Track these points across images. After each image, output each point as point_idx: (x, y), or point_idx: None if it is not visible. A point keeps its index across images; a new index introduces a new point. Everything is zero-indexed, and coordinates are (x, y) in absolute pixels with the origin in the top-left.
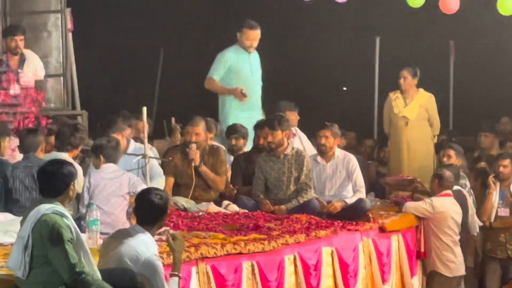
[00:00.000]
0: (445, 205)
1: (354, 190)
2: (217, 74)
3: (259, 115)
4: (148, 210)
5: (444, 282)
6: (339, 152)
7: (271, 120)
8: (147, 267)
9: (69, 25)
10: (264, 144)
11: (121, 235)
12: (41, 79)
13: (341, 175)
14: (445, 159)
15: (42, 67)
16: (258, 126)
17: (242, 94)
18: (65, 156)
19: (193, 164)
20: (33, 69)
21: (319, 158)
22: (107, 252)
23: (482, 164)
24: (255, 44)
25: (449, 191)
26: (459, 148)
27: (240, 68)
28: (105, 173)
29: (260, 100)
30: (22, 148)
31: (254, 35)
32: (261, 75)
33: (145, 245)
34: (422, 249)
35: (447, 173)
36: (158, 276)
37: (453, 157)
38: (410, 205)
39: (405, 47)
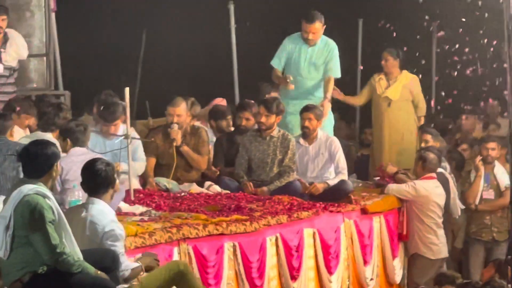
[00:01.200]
0: (428, 188)
1: (336, 172)
2: (276, 61)
3: None
4: (96, 180)
5: (427, 264)
6: (321, 134)
7: (270, 102)
8: (108, 236)
9: (52, 5)
10: (247, 125)
11: (76, 212)
12: (24, 59)
13: (324, 157)
14: (422, 144)
15: (25, 47)
16: (242, 107)
17: (287, 82)
18: (49, 136)
19: (174, 144)
20: (16, 48)
21: (301, 140)
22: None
23: (464, 146)
24: (312, 36)
25: (433, 174)
26: (434, 131)
27: (294, 57)
28: (74, 156)
29: (317, 92)
30: None
31: (309, 28)
32: (335, 67)
33: (101, 215)
34: (404, 232)
35: (431, 156)
36: (118, 241)
37: (430, 141)
38: (392, 187)
39: (388, 29)
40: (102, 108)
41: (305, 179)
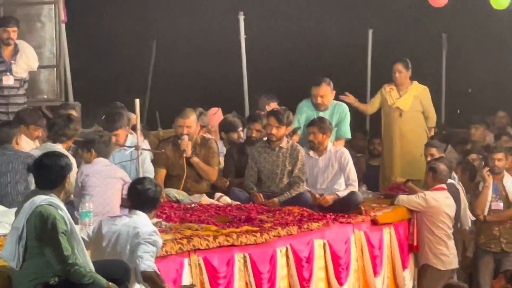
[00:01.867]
0: (438, 199)
1: (347, 184)
2: (296, 123)
3: None
4: (144, 198)
5: (437, 275)
6: (331, 146)
7: (281, 113)
8: (147, 239)
9: (63, 16)
10: (257, 136)
11: (119, 219)
12: (34, 70)
13: (333, 169)
14: (428, 158)
15: (35, 58)
16: (252, 119)
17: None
18: (59, 147)
19: (184, 155)
20: (26, 60)
21: (311, 153)
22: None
23: (473, 156)
24: (321, 100)
25: (443, 185)
26: (437, 143)
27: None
28: (98, 166)
29: None
30: None
31: (318, 91)
32: (346, 129)
33: (143, 223)
34: (415, 243)
35: (441, 167)
36: (154, 247)
37: (436, 154)
38: (402, 198)
39: (398, 40)
40: (103, 118)
41: (315, 191)
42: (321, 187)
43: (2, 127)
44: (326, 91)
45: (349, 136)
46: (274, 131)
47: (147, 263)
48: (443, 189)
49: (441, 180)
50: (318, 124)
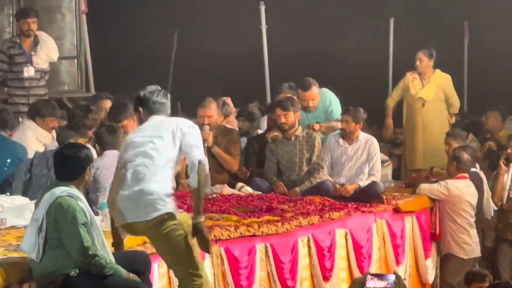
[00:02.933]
0: (460, 188)
1: (370, 174)
2: None
3: None
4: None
5: (459, 264)
6: (362, 136)
7: (283, 101)
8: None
9: (83, 7)
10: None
11: None
12: (54, 61)
13: (362, 158)
14: (446, 147)
15: (56, 49)
16: (270, 109)
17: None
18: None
19: (206, 145)
20: (46, 51)
21: (341, 141)
22: None
23: (490, 143)
24: (312, 103)
25: (465, 174)
26: (457, 133)
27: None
28: (107, 158)
29: None
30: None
31: (307, 96)
32: (336, 110)
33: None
34: (437, 232)
35: (465, 156)
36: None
37: (454, 144)
38: (424, 187)
39: (419, 29)
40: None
41: (340, 178)
42: (347, 174)
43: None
44: (315, 92)
45: (339, 115)
46: (283, 119)
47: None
48: (465, 177)
49: (464, 169)
50: (352, 113)
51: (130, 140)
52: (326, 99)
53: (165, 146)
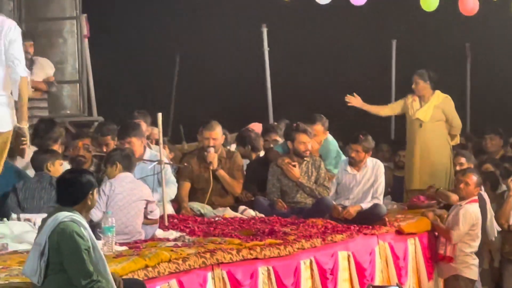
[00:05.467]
0: (476, 212)
1: (373, 197)
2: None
3: None
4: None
5: (470, 285)
6: (369, 161)
7: (307, 129)
8: None
9: (85, 31)
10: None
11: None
12: (50, 76)
13: (369, 182)
14: (457, 167)
15: (52, 67)
16: (268, 130)
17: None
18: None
19: (211, 168)
20: (40, 67)
21: (349, 168)
22: None
23: (487, 165)
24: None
25: (476, 197)
26: (467, 153)
27: None
28: (125, 182)
29: None
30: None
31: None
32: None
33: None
34: (448, 253)
35: (474, 178)
36: None
37: (465, 164)
38: (456, 236)
39: (421, 50)
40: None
41: (345, 202)
42: (353, 198)
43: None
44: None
45: (334, 172)
46: (308, 147)
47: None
48: (476, 201)
49: (474, 192)
50: (362, 142)
51: None
52: (326, 148)
53: None
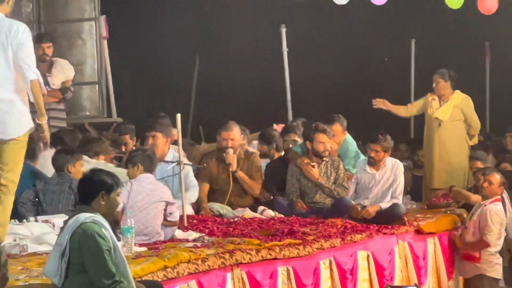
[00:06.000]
0: (502, 212)
1: (392, 196)
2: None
3: None
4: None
5: (495, 284)
6: (388, 160)
7: (327, 129)
8: None
9: (104, 33)
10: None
11: None
12: (69, 79)
13: (389, 182)
14: (474, 170)
15: (71, 69)
16: (287, 130)
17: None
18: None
19: (230, 169)
20: (60, 69)
21: (368, 168)
22: None
23: (505, 165)
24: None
25: (499, 196)
26: (481, 155)
27: None
28: (145, 183)
29: None
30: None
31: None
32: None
33: None
34: (476, 254)
35: (497, 177)
36: None
37: (481, 167)
38: (493, 240)
39: (440, 49)
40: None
41: (364, 201)
42: (372, 198)
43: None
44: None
45: (353, 172)
46: (327, 147)
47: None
48: (499, 200)
49: (499, 191)
50: (381, 142)
51: None
52: (345, 148)
53: None
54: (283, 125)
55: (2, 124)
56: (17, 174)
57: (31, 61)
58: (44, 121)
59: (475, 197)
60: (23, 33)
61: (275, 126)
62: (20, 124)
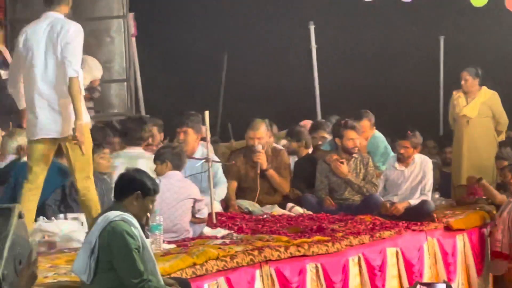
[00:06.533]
0: None
1: (421, 193)
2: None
3: None
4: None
5: None
6: (417, 156)
7: (356, 125)
8: None
9: (132, 30)
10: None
11: None
12: (96, 79)
13: (418, 178)
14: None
15: (99, 68)
16: (316, 127)
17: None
18: (138, 150)
19: (259, 168)
20: (88, 69)
21: (397, 165)
22: None
23: None
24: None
25: None
26: (507, 153)
27: None
28: (173, 180)
29: None
30: None
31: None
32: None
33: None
34: (506, 251)
35: None
36: None
37: (506, 163)
38: None
39: (470, 46)
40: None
41: (394, 198)
42: (401, 195)
43: None
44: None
45: (382, 168)
46: (356, 143)
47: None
48: None
49: None
50: (410, 138)
51: None
52: (374, 145)
53: None
54: (310, 121)
55: (56, 124)
56: (85, 171)
57: (74, 59)
58: (79, 122)
59: (500, 197)
60: (72, 32)
61: (302, 122)
62: (55, 127)
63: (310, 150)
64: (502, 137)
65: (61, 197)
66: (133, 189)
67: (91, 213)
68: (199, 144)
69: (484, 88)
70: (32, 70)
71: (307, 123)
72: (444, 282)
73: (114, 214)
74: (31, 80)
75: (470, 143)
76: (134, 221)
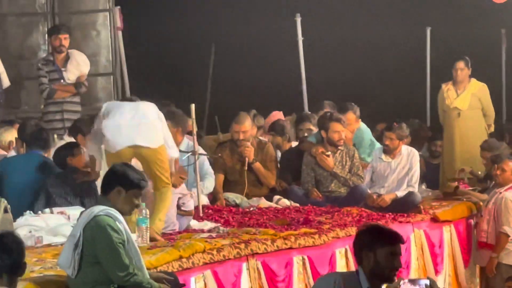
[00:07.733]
0: None
1: (408, 185)
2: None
3: None
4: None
5: (510, 271)
6: (404, 148)
7: (341, 118)
8: None
9: (119, 24)
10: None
11: None
12: (83, 74)
13: (404, 170)
14: (484, 161)
15: (87, 63)
16: (301, 119)
17: None
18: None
19: (247, 161)
20: (76, 64)
21: (384, 156)
22: None
23: None
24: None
25: None
26: (491, 145)
27: None
28: None
29: None
30: None
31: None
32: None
33: None
34: (489, 241)
35: (510, 165)
36: None
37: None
38: (509, 230)
39: (456, 37)
40: None
41: (380, 190)
42: (388, 186)
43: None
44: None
45: (368, 160)
46: (342, 136)
47: None
48: None
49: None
50: (396, 130)
51: None
52: (359, 137)
53: None
54: (280, 112)
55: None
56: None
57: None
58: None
59: (482, 197)
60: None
61: (274, 114)
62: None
63: (292, 144)
64: (491, 129)
65: (45, 195)
66: (116, 183)
67: None
68: (183, 137)
69: (474, 80)
70: None
71: (276, 114)
72: (428, 278)
73: (98, 209)
74: None
75: (462, 136)
76: (119, 216)
